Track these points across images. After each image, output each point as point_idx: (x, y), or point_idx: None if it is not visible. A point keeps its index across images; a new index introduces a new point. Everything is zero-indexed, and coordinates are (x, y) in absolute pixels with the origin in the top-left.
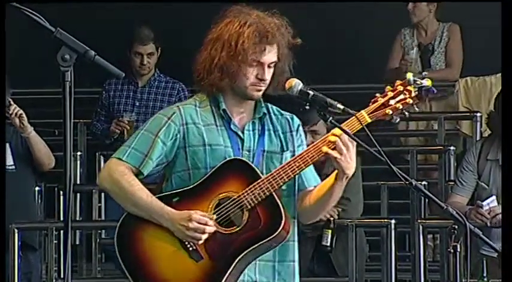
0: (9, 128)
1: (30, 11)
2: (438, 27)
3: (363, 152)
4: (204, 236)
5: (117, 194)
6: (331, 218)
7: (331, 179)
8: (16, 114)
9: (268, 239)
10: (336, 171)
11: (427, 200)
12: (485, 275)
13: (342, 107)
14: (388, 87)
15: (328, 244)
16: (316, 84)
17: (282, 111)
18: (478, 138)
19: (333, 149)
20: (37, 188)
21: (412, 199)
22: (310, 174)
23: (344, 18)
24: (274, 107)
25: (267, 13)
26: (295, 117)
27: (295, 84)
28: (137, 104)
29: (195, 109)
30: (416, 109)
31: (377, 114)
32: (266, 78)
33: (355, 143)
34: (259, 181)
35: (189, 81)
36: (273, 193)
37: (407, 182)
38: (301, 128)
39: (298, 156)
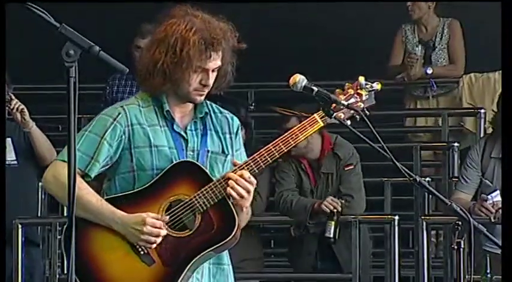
0: (11, 123)
1: (35, 6)
2: (438, 24)
3: (366, 148)
4: (158, 240)
5: (65, 198)
6: (335, 210)
7: None
8: (17, 109)
9: (222, 243)
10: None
11: (431, 196)
12: (488, 271)
13: (346, 103)
14: (339, 90)
15: (331, 235)
16: (319, 81)
17: (222, 110)
18: (481, 135)
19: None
20: (40, 184)
21: (416, 195)
22: None
23: (343, 17)
24: (214, 105)
25: (214, 17)
26: (235, 117)
27: (300, 80)
28: None
29: (139, 109)
30: (367, 112)
31: (330, 117)
32: (209, 84)
33: (255, 183)
34: (211, 184)
35: None
36: (226, 197)
37: (411, 178)
38: (240, 130)
39: (250, 160)
